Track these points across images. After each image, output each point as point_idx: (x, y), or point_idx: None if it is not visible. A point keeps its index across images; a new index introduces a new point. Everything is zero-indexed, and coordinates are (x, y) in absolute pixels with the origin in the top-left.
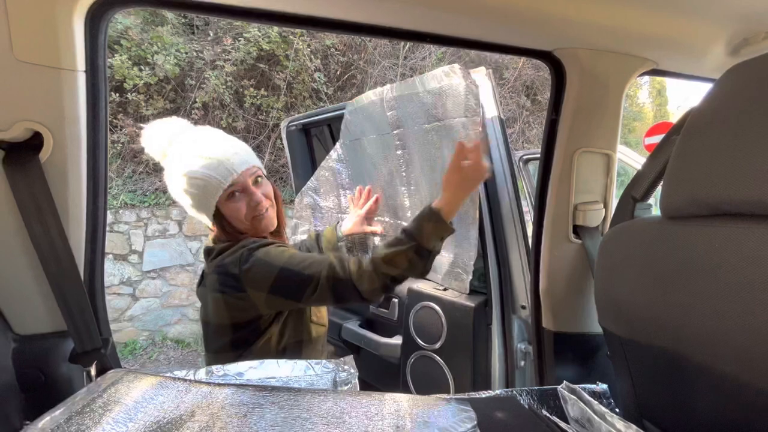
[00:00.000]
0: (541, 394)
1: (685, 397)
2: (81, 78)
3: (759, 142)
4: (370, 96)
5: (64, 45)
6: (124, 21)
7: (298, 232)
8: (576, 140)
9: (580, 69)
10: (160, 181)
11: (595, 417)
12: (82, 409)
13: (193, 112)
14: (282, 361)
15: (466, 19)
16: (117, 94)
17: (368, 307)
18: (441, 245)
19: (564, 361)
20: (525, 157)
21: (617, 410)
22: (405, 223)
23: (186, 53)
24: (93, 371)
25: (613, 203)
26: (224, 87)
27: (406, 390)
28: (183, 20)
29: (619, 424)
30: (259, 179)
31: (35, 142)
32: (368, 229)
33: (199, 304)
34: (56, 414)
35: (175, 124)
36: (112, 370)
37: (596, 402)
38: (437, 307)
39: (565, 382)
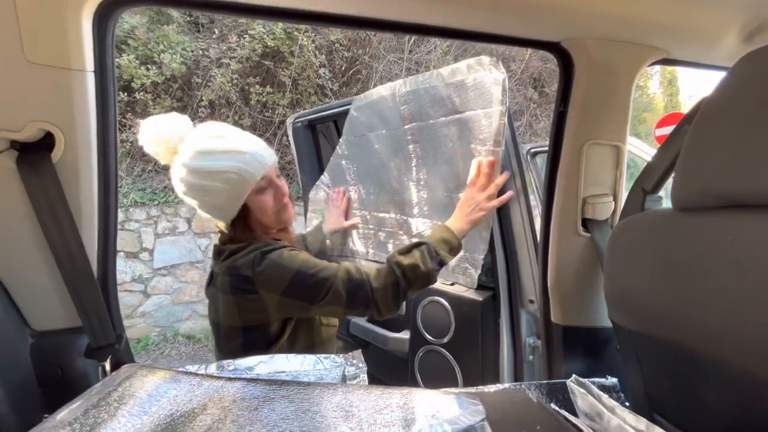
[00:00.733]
0: (550, 387)
1: (696, 391)
2: (90, 78)
3: None
4: (380, 91)
5: (73, 46)
6: (130, 20)
7: (312, 225)
8: (584, 132)
9: (588, 60)
10: (168, 179)
11: (605, 410)
12: (98, 403)
13: (200, 110)
14: (291, 356)
15: (470, 10)
16: (125, 94)
17: None
18: (449, 258)
19: (573, 355)
20: (533, 150)
21: (627, 404)
22: (411, 219)
23: (192, 51)
24: (107, 366)
25: (623, 196)
26: (230, 85)
27: (414, 384)
28: (188, 18)
29: (630, 417)
30: (279, 174)
31: (47, 142)
32: (346, 223)
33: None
34: (74, 407)
35: (178, 120)
36: (125, 365)
37: (606, 396)
38: (445, 302)
39: (574, 375)
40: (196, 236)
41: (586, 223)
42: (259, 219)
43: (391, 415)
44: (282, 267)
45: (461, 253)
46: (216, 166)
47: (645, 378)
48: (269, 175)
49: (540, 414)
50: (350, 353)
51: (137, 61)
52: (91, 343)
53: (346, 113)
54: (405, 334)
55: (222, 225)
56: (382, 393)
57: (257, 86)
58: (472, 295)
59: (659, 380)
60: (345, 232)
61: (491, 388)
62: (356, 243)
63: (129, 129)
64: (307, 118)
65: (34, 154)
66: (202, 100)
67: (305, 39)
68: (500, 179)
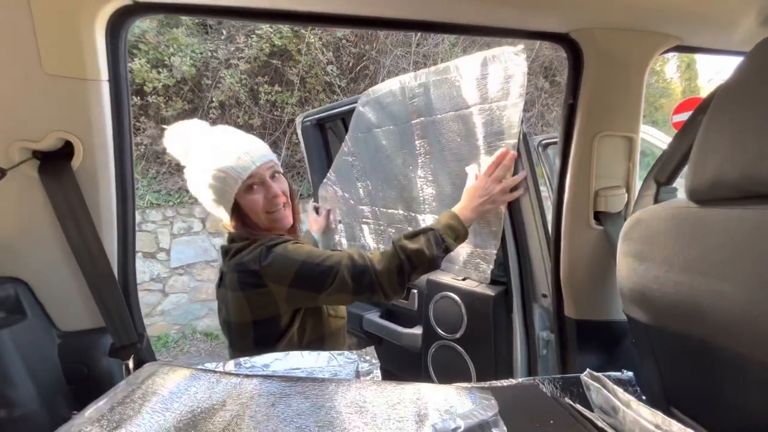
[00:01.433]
0: (564, 382)
1: (714, 384)
2: (105, 87)
3: None
4: (388, 85)
5: (88, 57)
6: (141, 25)
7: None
8: (595, 124)
9: (598, 50)
10: (182, 181)
11: (620, 405)
12: (123, 400)
13: (210, 111)
14: (306, 353)
15: (477, 5)
16: (138, 98)
17: None
18: (455, 246)
19: (587, 349)
20: (544, 142)
21: (643, 398)
22: (419, 215)
23: (201, 53)
24: (131, 364)
25: (637, 187)
26: (239, 85)
27: (427, 379)
28: (197, 21)
29: (645, 411)
30: (276, 174)
31: (67, 150)
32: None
33: None
34: (101, 404)
35: (196, 125)
36: (148, 363)
37: (621, 389)
38: (457, 297)
39: (588, 369)
40: (210, 236)
41: (599, 216)
42: (251, 218)
43: (404, 410)
44: (288, 259)
45: (472, 248)
46: (207, 165)
47: (661, 371)
48: (260, 174)
49: (554, 408)
50: (364, 349)
51: (148, 65)
52: (115, 343)
53: (354, 111)
54: (417, 330)
55: (228, 225)
56: (396, 388)
57: (266, 85)
58: (484, 290)
59: (676, 374)
60: (332, 231)
61: (504, 382)
62: (366, 239)
63: (143, 132)
64: (316, 116)
65: (55, 162)
66: (213, 102)
67: (312, 37)
68: (518, 177)
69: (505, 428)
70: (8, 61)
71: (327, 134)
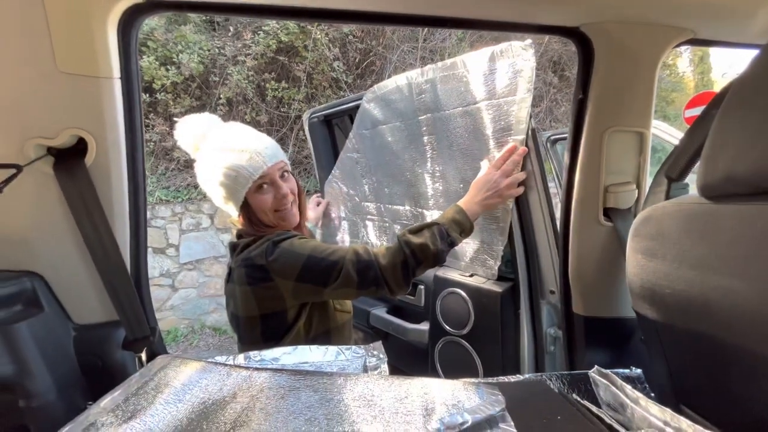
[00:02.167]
0: (571, 378)
1: (725, 382)
2: (117, 84)
3: None
4: (394, 81)
5: (101, 54)
6: (150, 23)
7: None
8: (606, 119)
9: (609, 44)
10: (191, 177)
11: (629, 402)
12: (137, 391)
13: (218, 108)
14: (314, 347)
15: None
16: (147, 95)
17: None
18: (460, 240)
19: (595, 345)
20: (553, 138)
21: (652, 395)
22: (426, 212)
23: (208, 50)
24: (143, 357)
25: (647, 184)
26: (246, 82)
27: (434, 375)
28: (204, 18)
29: (654, 408)
30: (286, 174)
31: (80, 147)
32: (320, 208)
33: None
34: (115, 395)
35: (206, 119)
36: (160, 356)
37: (629, 386)
38: (464, 293)
39: (596, 366)
40: (218, 232)
41: (608, 212)
42: (259, 217)
43: (412, 404)
44: (294, 254)
45: (479, 244)
46: (220, 163)
47: (671, 369)
48: (270, 174)
49: (561, 404)
50: (371, 344)
51: (157, 63)
52: (128, 336)
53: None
54: (424, 326)
55: (236, 221)
56: (403, 383)
57: (273, 82)
58: (491, 286)
59: (686, 371)
60: (332, 224)
61: (511, 378)
62: (370, 235)
63: (152, 129)
64: (323, 113)
65: (69, 159)
66: (220, 98)
67: (319, 33)
68: (522, 174)
69: (512, 423)
70: (23, 60)
71: (334, 130)
